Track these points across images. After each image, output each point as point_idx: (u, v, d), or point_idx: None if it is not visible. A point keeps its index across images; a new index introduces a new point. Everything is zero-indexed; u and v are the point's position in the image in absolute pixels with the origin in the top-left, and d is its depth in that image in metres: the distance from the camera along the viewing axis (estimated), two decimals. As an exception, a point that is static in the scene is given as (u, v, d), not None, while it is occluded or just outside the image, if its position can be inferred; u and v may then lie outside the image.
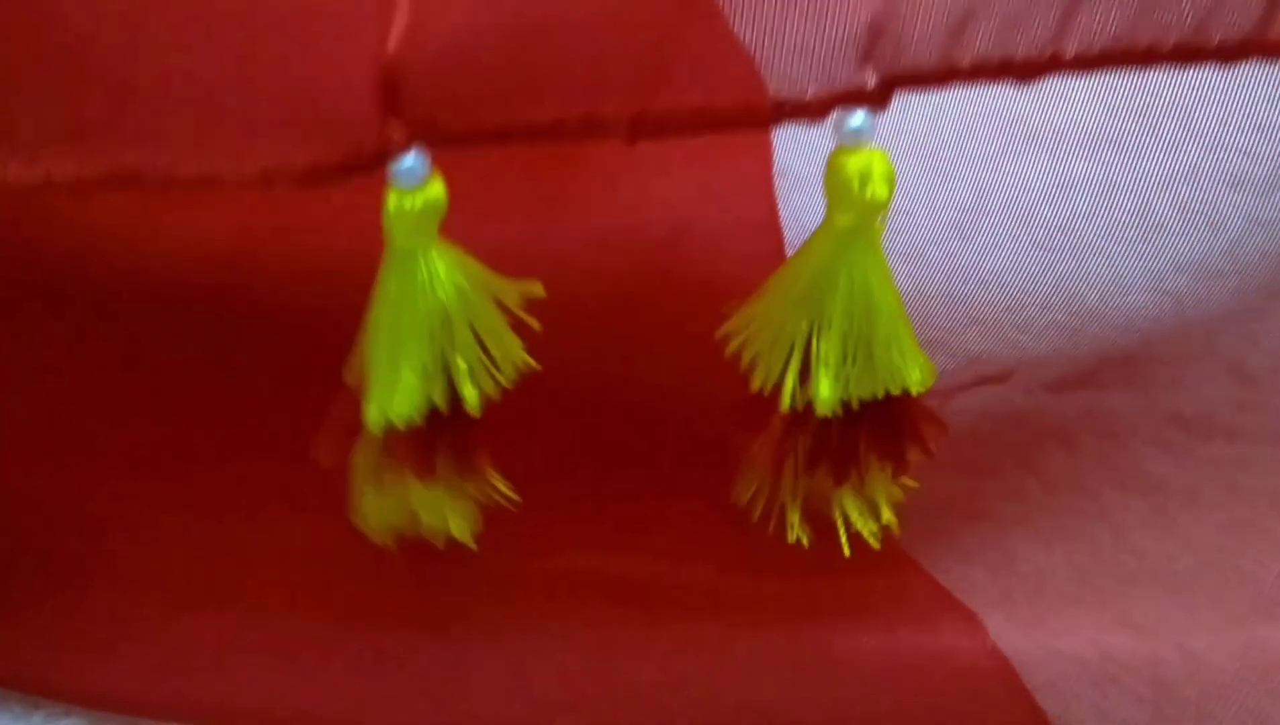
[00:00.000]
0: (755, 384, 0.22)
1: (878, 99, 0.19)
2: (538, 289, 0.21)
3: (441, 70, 0.18)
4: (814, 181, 0.35)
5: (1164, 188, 0.38)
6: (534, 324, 0.21)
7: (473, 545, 0.23)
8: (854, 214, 0.20)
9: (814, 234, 0.21)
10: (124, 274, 0.25)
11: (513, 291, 0.21)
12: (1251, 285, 0.34)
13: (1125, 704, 0.25)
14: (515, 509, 0.23)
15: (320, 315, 0.22)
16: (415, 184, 0.19)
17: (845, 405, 0.22)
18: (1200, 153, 0.36)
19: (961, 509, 0.28)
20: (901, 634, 0.26)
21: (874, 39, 0.19)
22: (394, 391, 0.20)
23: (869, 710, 0.25)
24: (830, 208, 0.20)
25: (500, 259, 0.21)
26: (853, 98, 0.19)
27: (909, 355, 0.21)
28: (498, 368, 0.21)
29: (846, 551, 0.25)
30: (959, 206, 0.36)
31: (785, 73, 0.19)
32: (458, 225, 0.20)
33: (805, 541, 0.25)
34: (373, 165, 0.18)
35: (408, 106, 0.18)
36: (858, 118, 0.19)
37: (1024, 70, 0.20)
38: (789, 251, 0.32)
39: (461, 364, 0.20)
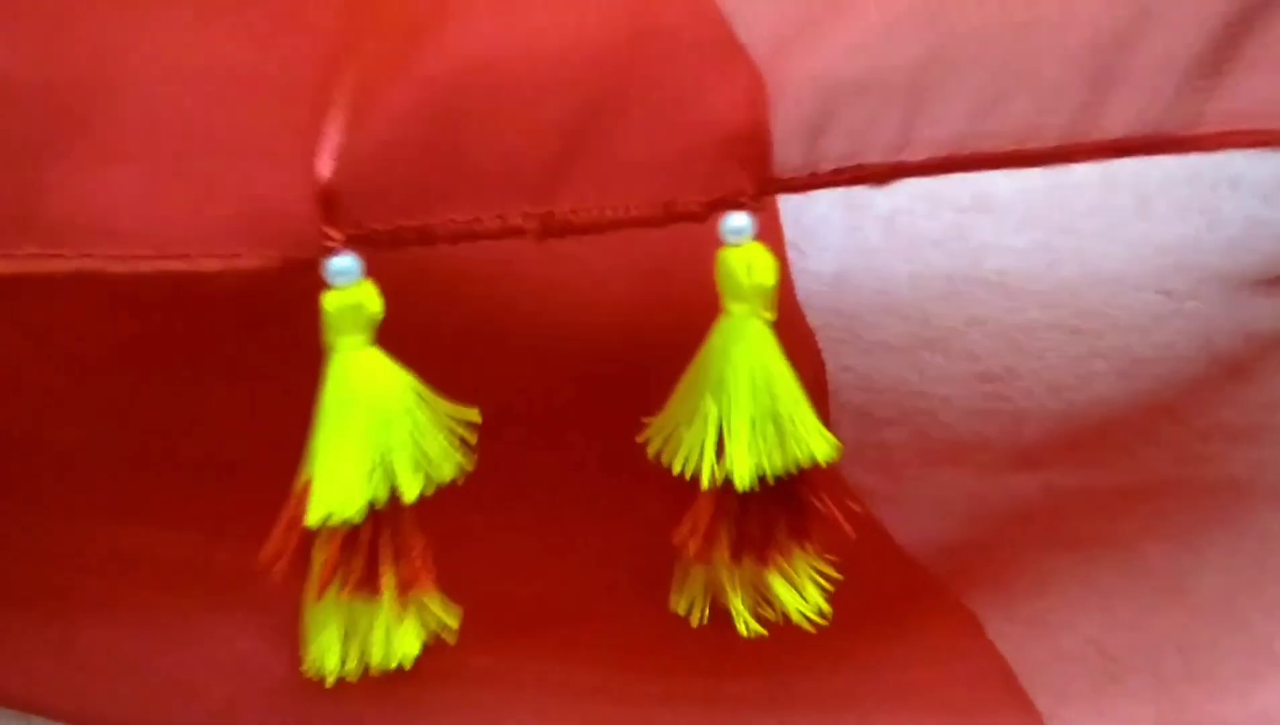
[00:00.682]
0: (676, 468, 0.23)
1: (754, 203, 0.21)
2: (473, 415, 0.22)
3: (369, 184, 0.20)
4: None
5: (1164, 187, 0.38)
6: (470, 438, 0.22)
7: (408, 667, 0.23)
8: (745, 302, 0.22)
9: (714, 326, 0.22)
10: None
11: (446, 408, 0.22)
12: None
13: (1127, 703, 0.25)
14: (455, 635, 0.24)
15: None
16: (349, 282, 0.20)
17: (762, 483, 0.23)
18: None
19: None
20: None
21: (747, 146, 0.21)
22: (334, 488, 0.20)
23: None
24: (724, 299, 0.22)
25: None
26: (730, 202, 0.21)
27: (812, 428, 0.23)
28: (434, 465, 0.21)
29: (744, 631, 0.25)
30: (958, 207, 0.36)
31: (671, 178, 0.21)
32: None
33: (755, 630, 0.25)
34: (310, 267, 0.19)
35: (340, 216, 0.19)
36: (738, 219, 0.21)
37: (876, 175, 0.21)
38: (789, 252, 0.33)
39: (398, 460, 0.21)
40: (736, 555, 0.24)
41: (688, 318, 0.23)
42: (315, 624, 0.23)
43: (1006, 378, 0.32)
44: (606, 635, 0.26)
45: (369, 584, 0.22)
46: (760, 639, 0.25)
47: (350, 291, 0.19)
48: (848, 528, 0.24)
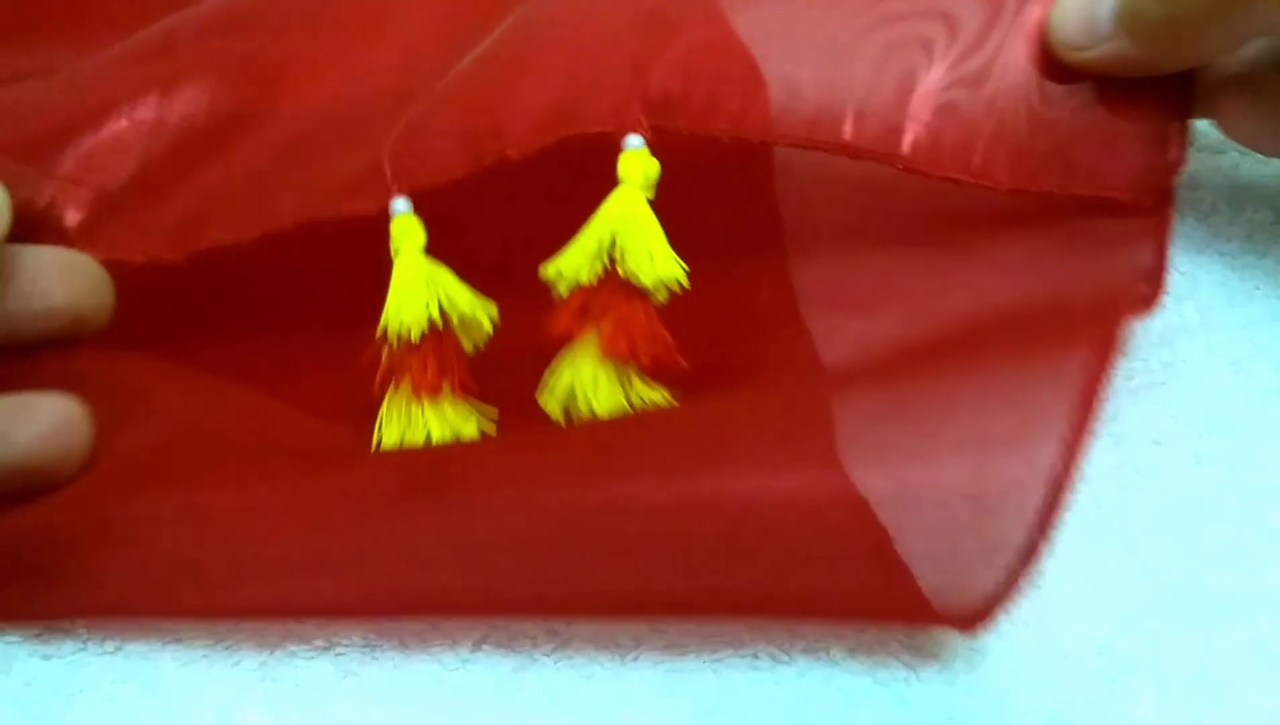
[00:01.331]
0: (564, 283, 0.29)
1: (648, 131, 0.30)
2: (493, 310, 0.30)
3: (417, 148, 0.30)
4: (812, 178, 0.35)
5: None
6: (487, 327, 0.30)
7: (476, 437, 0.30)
8: (634, 182, 0.29)
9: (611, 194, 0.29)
10: None
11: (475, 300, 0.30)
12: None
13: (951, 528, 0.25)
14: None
15: None
16: (402, 213, 0.30)
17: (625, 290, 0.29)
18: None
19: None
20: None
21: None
22: (403, 311, 0.29)
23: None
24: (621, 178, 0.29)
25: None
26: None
27: (668, 257, 0.29)
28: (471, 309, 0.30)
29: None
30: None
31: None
32: None
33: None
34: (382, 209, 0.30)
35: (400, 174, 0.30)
36: (635, 140, 0.30)
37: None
38: (788, 240, 0.33)
39: (452, 300, 0.29)
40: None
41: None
42: (386, 417, 0.30)
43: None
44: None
45: (428, 383, 0.29)
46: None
47: (404, 220, 0.30)
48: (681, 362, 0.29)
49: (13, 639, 0.30)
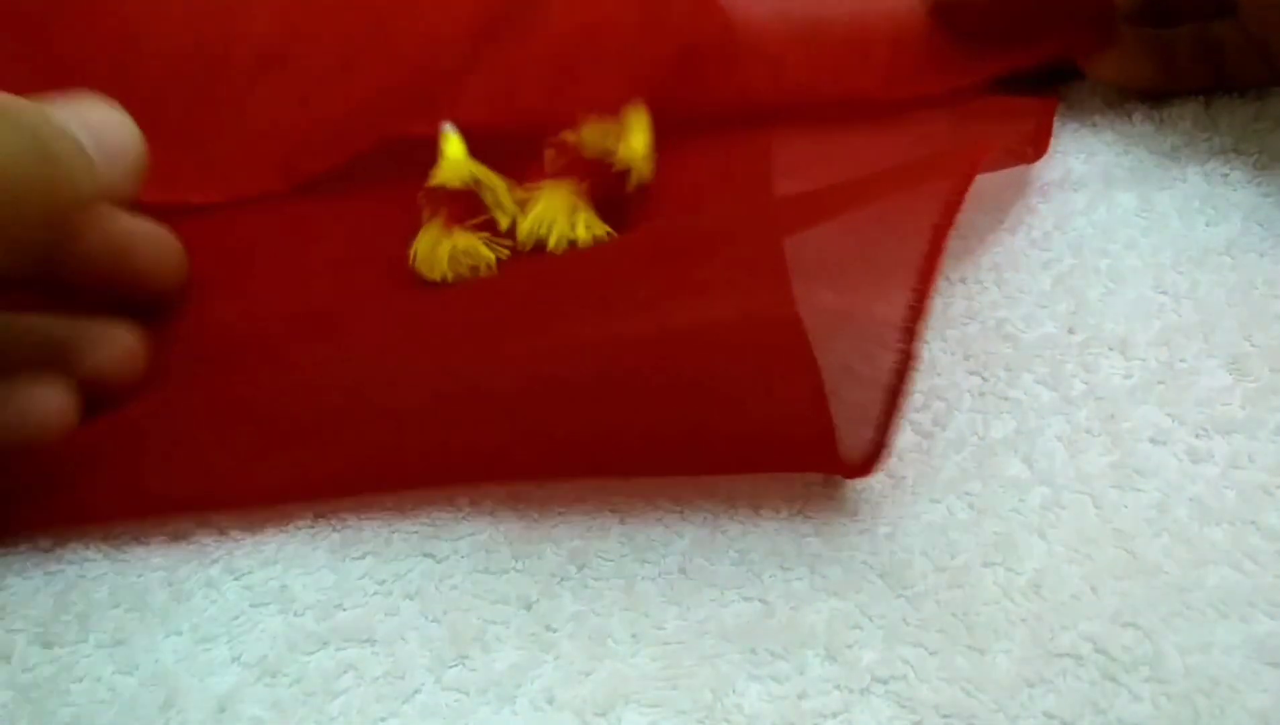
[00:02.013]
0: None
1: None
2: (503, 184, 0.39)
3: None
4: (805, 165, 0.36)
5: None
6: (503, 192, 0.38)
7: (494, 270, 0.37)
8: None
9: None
10: None
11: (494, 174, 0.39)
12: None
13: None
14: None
15: None
16: (449, 133, 0.39)
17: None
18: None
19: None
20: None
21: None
22: (447, 172, 0.38)
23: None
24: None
25: None
26: None
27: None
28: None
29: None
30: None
31: None
32: None
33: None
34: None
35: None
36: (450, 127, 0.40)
37: None
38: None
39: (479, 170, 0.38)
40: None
41: None
42: (421, 240, 0.37)
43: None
44: None
45: (457, 216, 0.37)
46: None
47: (450, 137, 0.40)
48: None
49: (14, 628, 0.30)
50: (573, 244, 0.37)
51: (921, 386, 0.32)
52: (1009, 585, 0.28)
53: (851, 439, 0.28)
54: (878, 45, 0.40)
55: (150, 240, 0.37)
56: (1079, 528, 0.29)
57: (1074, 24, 0.39)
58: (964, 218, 0.32)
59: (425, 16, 0.42)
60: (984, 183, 0.35)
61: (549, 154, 0.38)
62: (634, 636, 0.28)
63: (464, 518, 0.31)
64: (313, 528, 0.31)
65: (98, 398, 0.33)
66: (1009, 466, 0.30)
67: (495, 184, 0.38)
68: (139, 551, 0.31)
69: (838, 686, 0.27)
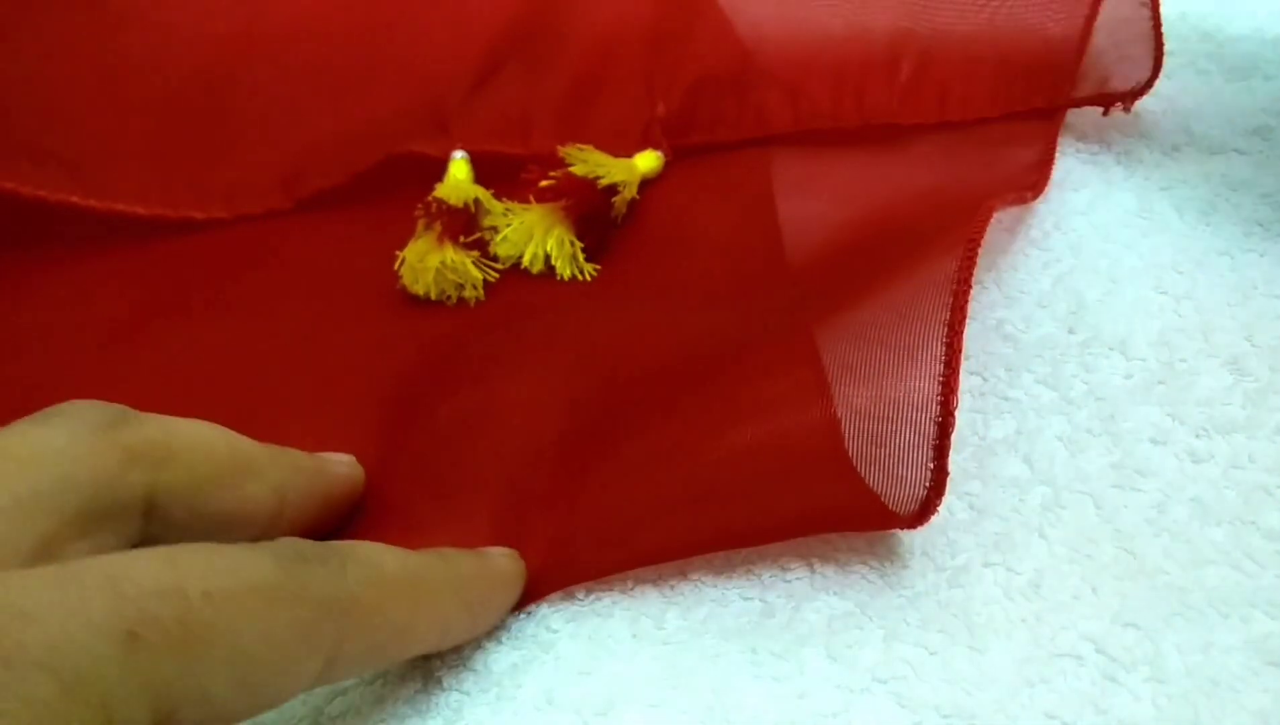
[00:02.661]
0: None
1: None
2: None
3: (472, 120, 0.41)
4: (806, 183, 0.36)
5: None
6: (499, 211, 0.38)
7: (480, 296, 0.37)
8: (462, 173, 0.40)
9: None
10: None
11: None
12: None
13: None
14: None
15: None
16: (458, 159, 0.40)
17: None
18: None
19: None
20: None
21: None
22: (449, 191, 0.38)
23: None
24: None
25: None
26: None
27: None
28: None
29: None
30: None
31: None
32: None
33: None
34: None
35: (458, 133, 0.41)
36: (459, 152, 0.40)
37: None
38: (787, 246, 0.35)
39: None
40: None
41: None
42: (412, 248, 0.37)
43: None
44: None
45: (452, 232, 0.37)
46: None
47: (458, 162, 0.40)
48: None
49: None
50: (548, 259, 0.37)
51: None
52: (1009, 585, 0.28)
53: (902, 494, 0.28)
54: (900, 70, 0.39)
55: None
56: (1079, 528, 0.29)
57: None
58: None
59: (436, 38, 0.42)
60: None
61: (533, 169, 0.38)
62: (634, 636, 0.28)
63: (464, 519, 0.31)
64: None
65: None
66: (1009, 466, 0.31)
67: (494, 208, 0.38)
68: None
69: (838, 686, 0.27)
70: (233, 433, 0.27)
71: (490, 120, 0.40)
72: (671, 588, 0.29)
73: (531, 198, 0.37)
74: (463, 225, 0.37)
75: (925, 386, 0.27)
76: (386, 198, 0.40)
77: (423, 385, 0.34)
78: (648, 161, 0.39)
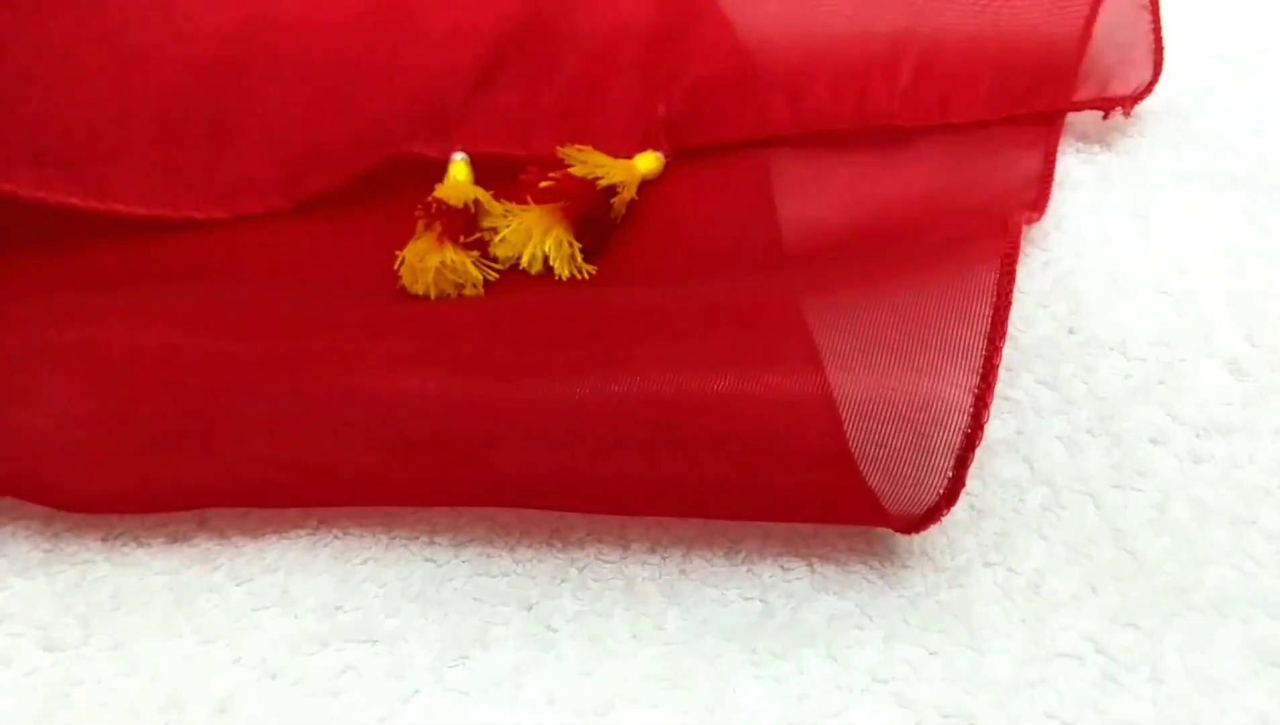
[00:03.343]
0: None
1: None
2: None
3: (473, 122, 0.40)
4: (806, 185, 0.36)
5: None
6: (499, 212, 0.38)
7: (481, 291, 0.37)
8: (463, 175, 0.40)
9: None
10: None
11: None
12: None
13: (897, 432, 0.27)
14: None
15: None
16: (459, 161, 0.40)
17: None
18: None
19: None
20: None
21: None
22: (449, 192, 0.38)
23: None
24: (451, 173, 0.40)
25: None
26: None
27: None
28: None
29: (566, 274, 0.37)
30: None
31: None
32: None
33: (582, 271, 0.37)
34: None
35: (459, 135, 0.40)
36: (460, 155, 0.40)
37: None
38: (787, 247, 0.35)
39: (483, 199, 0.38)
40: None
41: None
42: (411, 248, 0.37)
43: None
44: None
45: (452, 232, 0.37)
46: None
47: (458, 163, 0.40)
48: None
49: (16, 631, 0.30)
50: (546, 259, 0.36)
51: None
52: (1009, 585, 0.28)
53: (901, 495, 0.27)
54: (901, 72, 0.39)
55: None
56: (1079, 528, 0.29)
57: None
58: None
59: (436, 41, 0.41)
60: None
61: (533, 170, 0.38)
62: (634, 636, 0.28)
63: (464, 522, 0.31)
64: (314, 535, 0.31)
65: None
66: (1009, 466, 0.31)
67: (494, 209, 0.38)
68: (140, 555, 0.31)
69: (838, 686, 0.27)
70: None
71: (491, 122, 0.40)
72: (672, 588, 0.29)
73: (530, 199, 0.37)
74: (462, 226, 0.37)
75: (925, 386, 0.27)
76: (387, 199, 0.40)
77: None
78: (648, 163, 0.39)
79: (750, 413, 0.27)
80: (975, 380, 0.26)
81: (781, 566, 0.29)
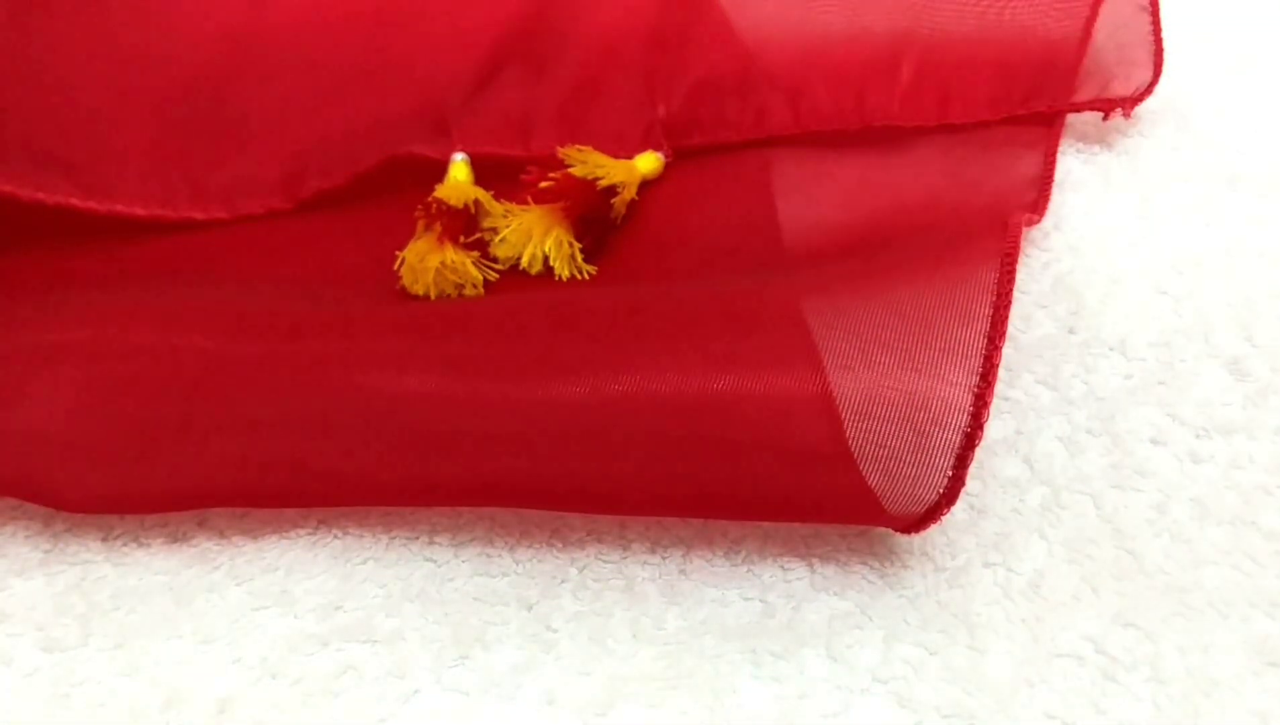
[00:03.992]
0: None
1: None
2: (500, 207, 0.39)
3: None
4: (806, 185, 0.36)
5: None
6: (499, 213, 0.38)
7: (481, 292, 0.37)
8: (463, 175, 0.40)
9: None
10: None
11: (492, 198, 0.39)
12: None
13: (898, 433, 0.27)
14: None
15: None
16: (459, 161, 0.39)
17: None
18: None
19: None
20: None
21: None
22: (449, 192, 0.38)
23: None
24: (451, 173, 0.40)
25: None
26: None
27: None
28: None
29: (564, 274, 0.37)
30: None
31: None
32: None
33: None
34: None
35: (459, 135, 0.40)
36: (460, 155, 0.40)
37: None
38: (787, 247, 0.35)
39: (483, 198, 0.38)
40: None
41: None
42: (411, 248, 0.37)
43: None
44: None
45: (452, 232, 0.37)
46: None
47: (459, 163, 0.40)
48: None
49: (15, 631, 0.30)
50: (546, 259, 0.36)
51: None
52: (1009, 585, 0.28)
53: (901, 495, 0.27)
54: (901, 72, 0.39)
55: None
56: (1079, 528, 0.29)
57: None
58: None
59: (437, 41, 0.41)
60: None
61: (533, 170, 0.38)
62: (634, 636, 0.28)
63: (464, 522, 0.31)
64: (314, 535, 0.31)
65: None
66: (1009, 466, 0.31)
67: (494, 209, 0.38)
68: (140, 555, 0.31)
69: (838, 686, 0.27)
70: None
71: (491, 122, 0.40)
72: (672, 588, 0.29)
73: (530, 199, 0.37)
74: (463, 226, 0.37)
75: (925, 386, 0.27)
76: (387, 199, 0.40)
77: None
78: (648, 163, 0.39)
79: (750, 413, 0.27)
80: (975, 380, 0.26)
81: (781, 566, 0.29)
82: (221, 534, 0.31)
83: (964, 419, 0.26)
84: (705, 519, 0.30)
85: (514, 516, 0.31)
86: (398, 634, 0.29)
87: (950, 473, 0.26)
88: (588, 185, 0.37)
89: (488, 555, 0.30)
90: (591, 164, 0.37)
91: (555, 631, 0.28)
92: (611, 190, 0.37)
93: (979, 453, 0.31)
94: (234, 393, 0.30)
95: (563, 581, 0.29)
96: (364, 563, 0.30)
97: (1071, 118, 0.39)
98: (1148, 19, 0.39)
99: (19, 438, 0.31)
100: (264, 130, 0.41)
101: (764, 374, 0.28)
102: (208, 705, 0.28)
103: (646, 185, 0.39)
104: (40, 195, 0.38)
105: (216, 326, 0.31)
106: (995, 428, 0.31)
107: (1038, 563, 0.28)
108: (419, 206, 0.37)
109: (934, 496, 0.26)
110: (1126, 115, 0.38)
